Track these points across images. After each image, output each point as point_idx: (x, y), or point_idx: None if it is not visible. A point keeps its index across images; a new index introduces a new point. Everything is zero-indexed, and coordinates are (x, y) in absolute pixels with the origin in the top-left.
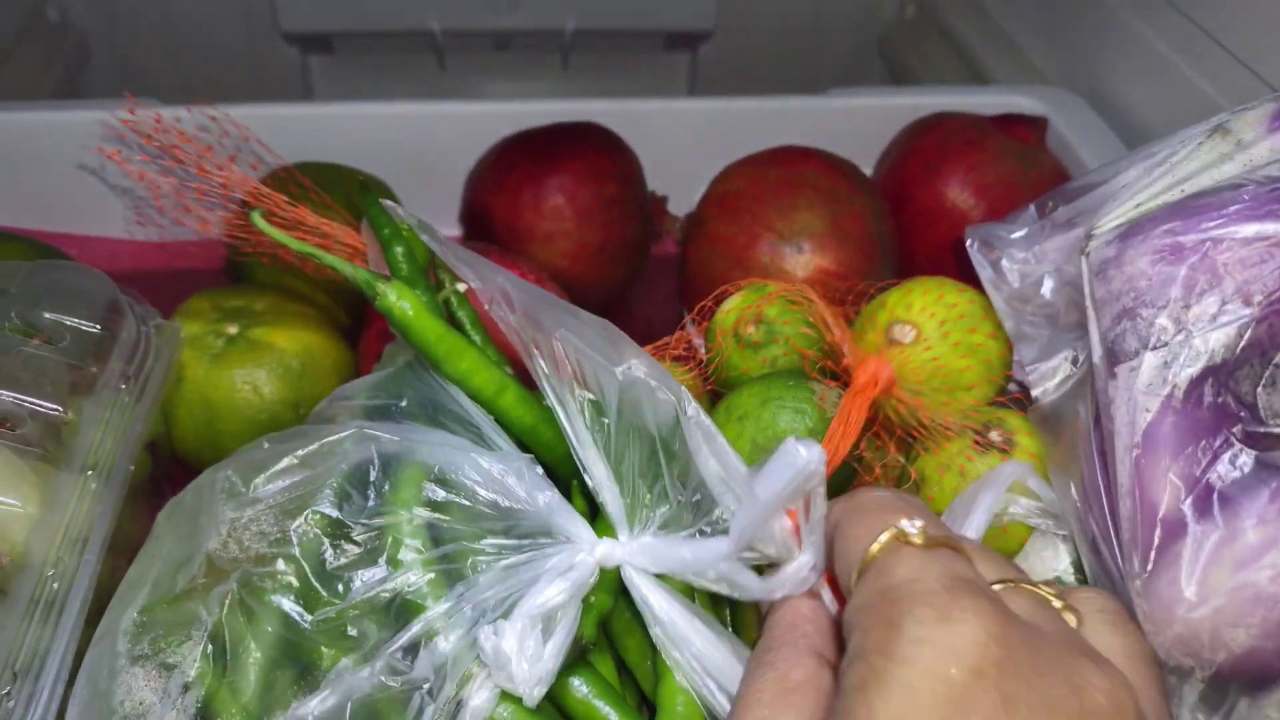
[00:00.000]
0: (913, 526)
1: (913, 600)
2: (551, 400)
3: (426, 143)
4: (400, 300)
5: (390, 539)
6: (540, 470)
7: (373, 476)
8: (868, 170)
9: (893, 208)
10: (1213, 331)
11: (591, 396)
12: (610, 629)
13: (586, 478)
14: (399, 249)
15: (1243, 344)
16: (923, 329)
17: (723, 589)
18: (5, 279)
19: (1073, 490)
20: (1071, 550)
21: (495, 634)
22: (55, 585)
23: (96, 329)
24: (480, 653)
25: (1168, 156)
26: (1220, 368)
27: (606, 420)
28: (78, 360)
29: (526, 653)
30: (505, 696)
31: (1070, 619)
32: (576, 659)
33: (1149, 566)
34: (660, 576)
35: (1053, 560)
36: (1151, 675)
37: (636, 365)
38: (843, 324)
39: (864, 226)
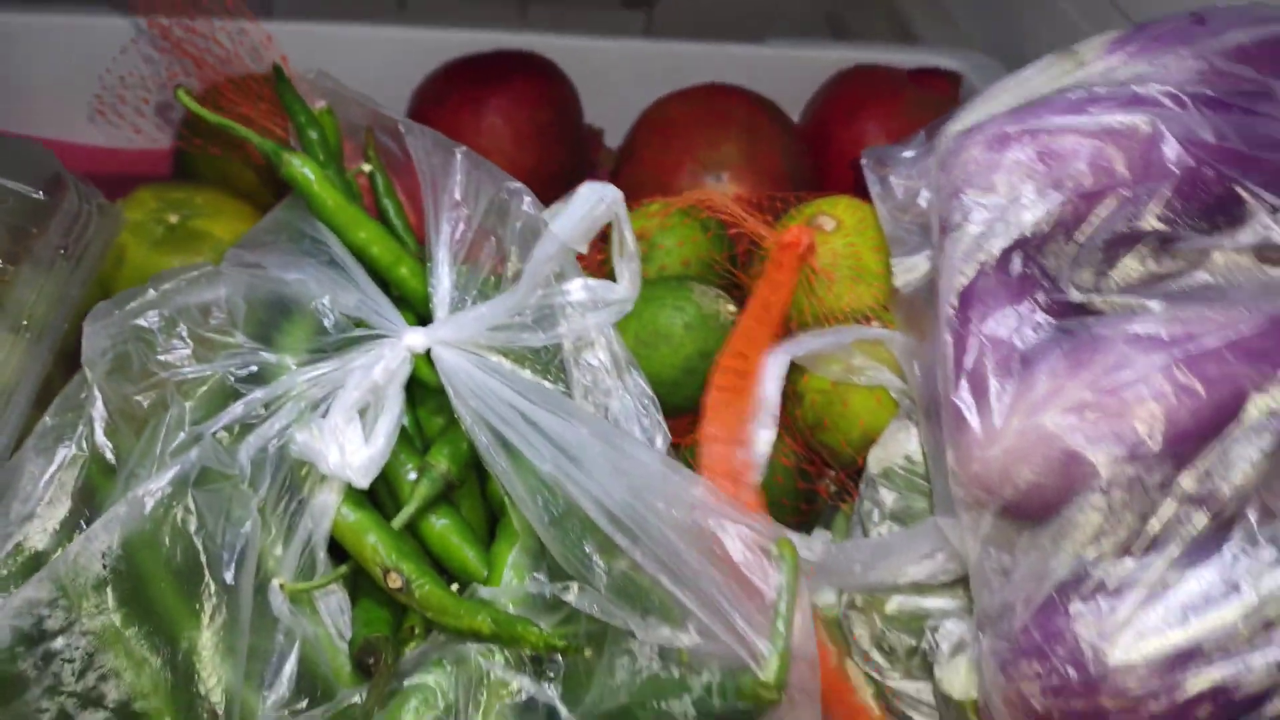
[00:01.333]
0: None
1: None
2: (429, 203)
3: (382, 67)
4: (303, 168)
5: (216, 342)
6: (372, 284)
7: (213, 300)
8: (796, 115)
9: (814, 152)
10: (1025, 210)
11: (467, 211)
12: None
13: (430, 265)
14: (313, 133)
15: (1050, 222)
16: (844, 221)
17: (535, 336)
18: None
19: (917, 369)
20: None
21: (311, 432)
22: None
23: (39, 195)
24: (295, 449)
25: (1019, 72)
26: (1029, 242)
27: (469, 228)
28: (18, 222)
29: (347, 443)
30: (355, 504)
31: None
32: (442, 498)
33: (957, 417)
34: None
35: (905, 442)
36: None
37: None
38: (761, 216)
39: (777, 162)
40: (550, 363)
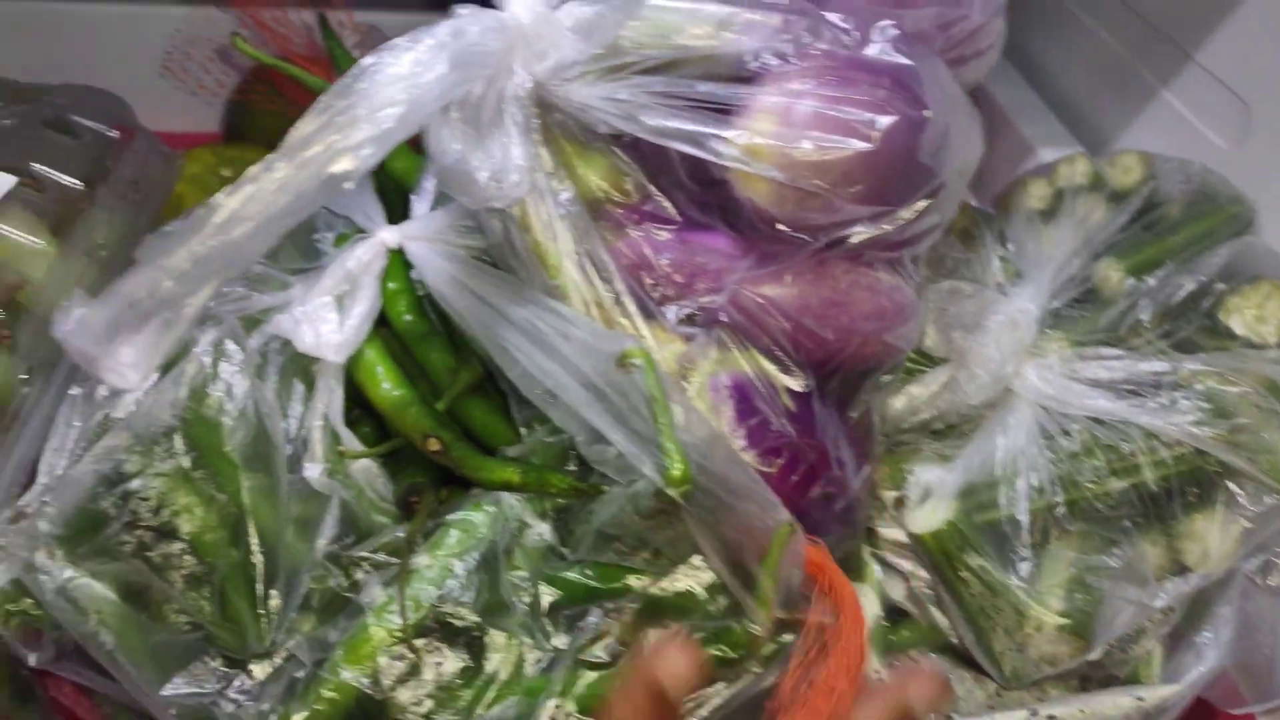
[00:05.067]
0: None
1: None
2: None
3: None
4: None
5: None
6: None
7: None
8: None
9: None
10: None
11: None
12: None
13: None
14: None
15: None
16: None
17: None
18: (38, 91)
19: None
20: None
21: (291, 315)
22: None
23: (114, 134)
24: (273, 329)
25: None
26: None
27: None
28: (96, 155)
29: (323, 325)
30: (397, 383)
31: None
32: (479, 385)
33: None
34: None
35: None
36: None
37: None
38: None
39: None
40: None
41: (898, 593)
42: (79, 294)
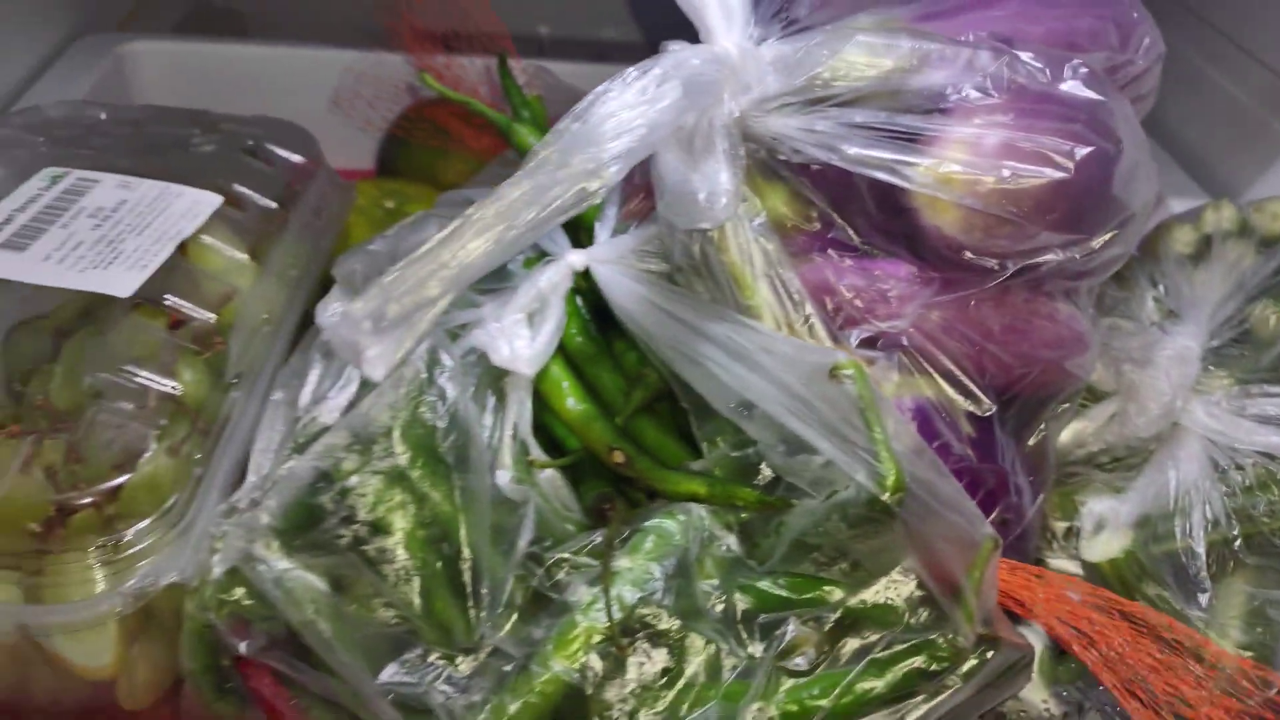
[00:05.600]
0: None
1: None
2: None
3: None
4: (530, 136)
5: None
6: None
7: (424, 238)
8: None
9: None
10: None
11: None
12: None
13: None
14: (526, 113)
15: None
16: None
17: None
18: (234, 121)
19: None
20: None
21: (487, 331)
22: (266, 329)
23: (303, 163)
24: (472, 342)
25: None
26: None
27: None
28: (288, 179)
29: (516, 340)
30: (581, 399)
31: None
32: (649, 405)
33: None
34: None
35: None
36: None
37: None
38: None
39: None
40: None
41: None
42: (338, 289)
